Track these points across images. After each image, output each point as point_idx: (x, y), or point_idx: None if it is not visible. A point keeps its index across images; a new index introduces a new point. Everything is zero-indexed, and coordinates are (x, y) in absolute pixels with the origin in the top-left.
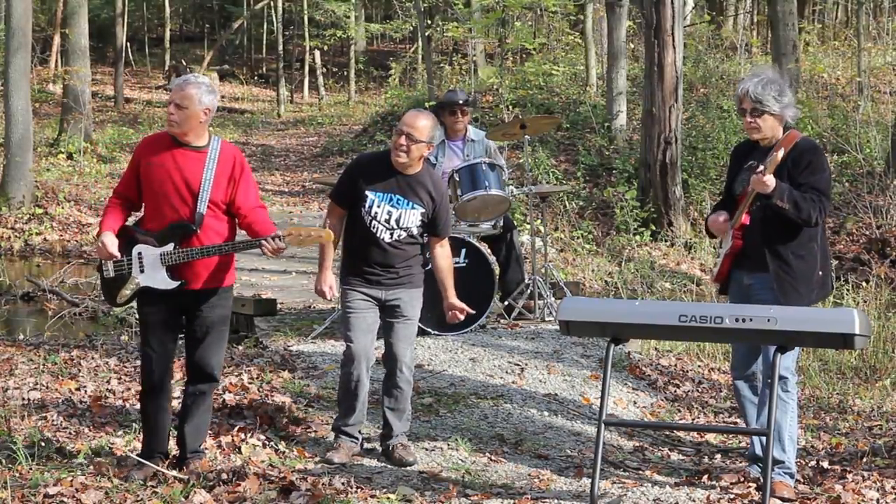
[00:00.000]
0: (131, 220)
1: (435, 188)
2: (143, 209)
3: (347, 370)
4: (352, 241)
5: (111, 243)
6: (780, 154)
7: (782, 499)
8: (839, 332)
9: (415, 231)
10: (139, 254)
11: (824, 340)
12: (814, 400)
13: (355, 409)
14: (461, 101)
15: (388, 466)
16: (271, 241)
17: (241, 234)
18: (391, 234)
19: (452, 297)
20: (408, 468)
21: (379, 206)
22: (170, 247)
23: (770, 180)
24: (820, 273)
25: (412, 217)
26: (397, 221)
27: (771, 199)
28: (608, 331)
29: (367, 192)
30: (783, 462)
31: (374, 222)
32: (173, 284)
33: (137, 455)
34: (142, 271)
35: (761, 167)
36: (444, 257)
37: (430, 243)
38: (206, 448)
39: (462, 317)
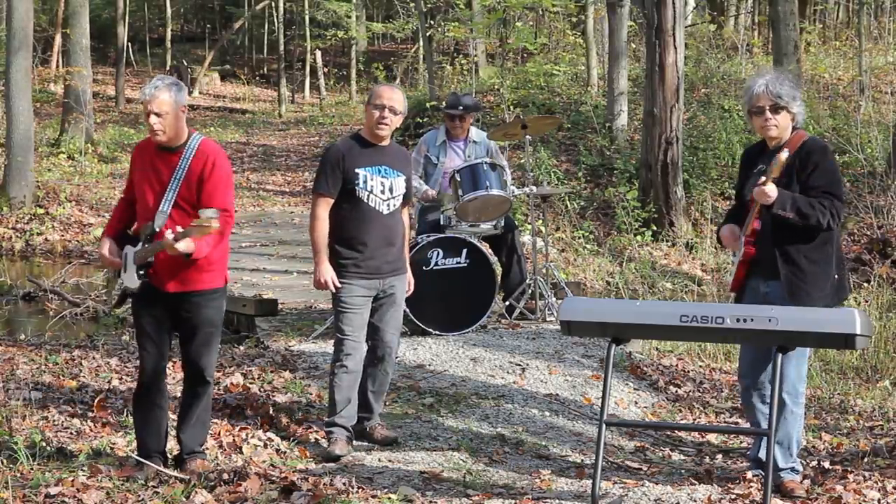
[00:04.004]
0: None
1: (405, 156)
2: None
3: (343, 364)
4: (345, 229)
5: (106, 249)
6: (784, 156)
7: (795, 496)
8: (840, 333)
9: (402, 199)
10: (125, 255)
11: (825, 341)
12: (815, 400)
13: (351, 401)
14: (460, 109)
15: (390, 466)
16: (168, 235)
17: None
18: (388, 206)
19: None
20: (408, 468)
21: (373, 180)
22: (139, 245)
23: (771, 190)
24: (836, 277)
25: (400, 184)
26: (391, 190)
27: (772, 209)
28: (609, 331)
29: (356, 171)
30: (791, 467)
31: (371, 196)
32: (138, 282)
33: (136, 455)
34: (124, 271)
35: (763, 178)
36: (406, 219)
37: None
38: (206, 448)
39: (409, 290)
